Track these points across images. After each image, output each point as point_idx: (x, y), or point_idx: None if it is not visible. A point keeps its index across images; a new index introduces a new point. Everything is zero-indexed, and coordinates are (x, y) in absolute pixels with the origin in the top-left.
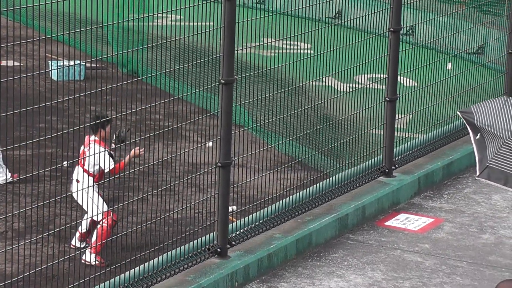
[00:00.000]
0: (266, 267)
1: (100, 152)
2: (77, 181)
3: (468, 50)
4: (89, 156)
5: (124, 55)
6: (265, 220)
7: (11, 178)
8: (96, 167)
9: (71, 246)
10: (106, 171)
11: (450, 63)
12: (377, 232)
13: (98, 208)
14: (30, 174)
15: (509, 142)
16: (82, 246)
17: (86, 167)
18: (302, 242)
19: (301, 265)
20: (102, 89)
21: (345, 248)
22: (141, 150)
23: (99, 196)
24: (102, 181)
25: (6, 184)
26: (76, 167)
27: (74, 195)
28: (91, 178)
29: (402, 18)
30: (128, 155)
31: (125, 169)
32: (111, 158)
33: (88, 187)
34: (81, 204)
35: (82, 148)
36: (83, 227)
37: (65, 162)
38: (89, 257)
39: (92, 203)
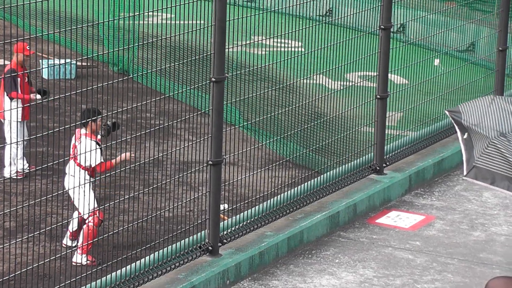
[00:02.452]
0: (257, 265)
1: (91, 149)
2: (72, 175)
3: (458, 48)
4: (79, 151)
5: (115, 54)
6: (256, 218)
7: (28, 169)
8: (88, 162)
9: (63, 245)
10: (92, 166)
11: (437, 60)
12: (368, 229)
13: (87, 206)
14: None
15: (496, 142)
16: (73, 245)
17: (78, 161)
18: (294, 240)
19: (292, 262)
20: (93, 88)
21: (336, 246)
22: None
23: (92, 193)
24: (94, 179)
25: None
26: (70, 161)
27: (67, 187)
28: (85, 173)
29: (392, 15)
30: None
31: (115, 168)
32: (100, 154)
33: (85, 183)
34: (73, 199)
35: (73, 141)
36: (74, 225)
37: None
38: (79, 258)
39: (83, 199)
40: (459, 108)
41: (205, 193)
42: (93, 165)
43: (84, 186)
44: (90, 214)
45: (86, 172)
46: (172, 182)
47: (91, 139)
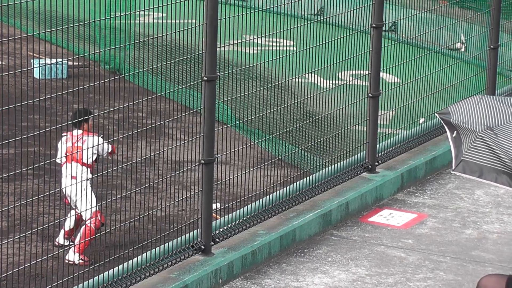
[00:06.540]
0: (250, 263)
1: (98, 143)
2: (74, 177)
3: (450, 46)
4: (87, 147)
5: (107, 53)
6: (248, 217)
7: None
8: (95, 156)
9: (56, 244)
10: (105, 155)
11: (423, 118)
12: (361, 228)
13: (90, 205)
14: (13, 173)
15: (482, 135)
16: (66, 244)
17: (84, 160)
18: (286, 239)
19: (285, 261)
20: (85, 87)
21: (328, 244)
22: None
23: (93, 193)
24: (94, 176)
25: None
26: (69, 163)
27: (69, 190)
28: (88, 171)
29: (384, 14)
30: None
31: (109, 166)
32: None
33: (87, 179)
34: (75, 199)
35: (68, 144)
36: (71, 224)
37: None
38: (72, 256)
39: (85, 199)
40: (448, 109)
41: (197, 192)
42: (105, 155)
43: (87, 185)
44: (92, 215)
45: (89, 169)
46: (164, 181)
47: (93, 135)
